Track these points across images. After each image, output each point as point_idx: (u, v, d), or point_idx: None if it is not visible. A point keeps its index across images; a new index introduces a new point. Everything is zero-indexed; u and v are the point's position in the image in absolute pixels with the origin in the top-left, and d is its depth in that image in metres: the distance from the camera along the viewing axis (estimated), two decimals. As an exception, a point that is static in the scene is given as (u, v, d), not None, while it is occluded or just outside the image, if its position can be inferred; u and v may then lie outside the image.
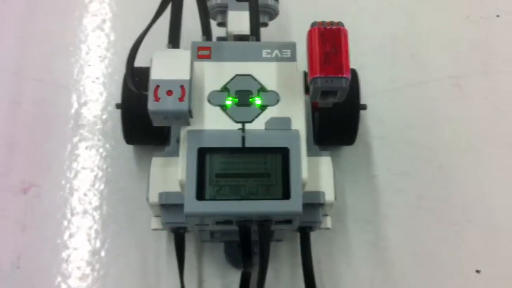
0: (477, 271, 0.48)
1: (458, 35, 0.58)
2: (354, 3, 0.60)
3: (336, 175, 0.40)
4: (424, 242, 0.48)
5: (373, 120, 0.53)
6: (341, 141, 0.50)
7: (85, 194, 0.49)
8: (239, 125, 0.38)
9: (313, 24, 0.37)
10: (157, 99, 0.36)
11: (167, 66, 0.37)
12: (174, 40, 0.40)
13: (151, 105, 0.36)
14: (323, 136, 0.46)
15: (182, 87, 0.36)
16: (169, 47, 0.40)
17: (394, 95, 0.55)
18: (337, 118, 0.45)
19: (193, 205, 0.35)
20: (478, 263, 0.48)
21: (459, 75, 0.56)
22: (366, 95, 0.47)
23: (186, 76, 0.36)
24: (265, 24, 0.50)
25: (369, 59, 0.56)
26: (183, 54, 0.37)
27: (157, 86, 0.36)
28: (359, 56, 0.55)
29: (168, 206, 0.39)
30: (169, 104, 0.36)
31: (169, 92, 0.36)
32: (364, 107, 0.47)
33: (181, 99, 0.36)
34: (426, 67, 0.56)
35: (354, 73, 0.47)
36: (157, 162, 0.40)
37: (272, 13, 0.50)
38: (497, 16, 0.60)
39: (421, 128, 0.53)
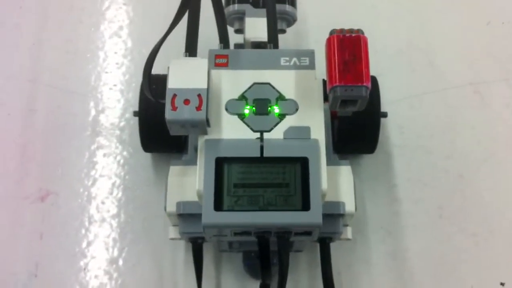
0: (502, 284, 0.47)
1: (478, 41, 0.58)
2: (372, 9, 0.59)
3: (356, 184, 0.40)
4: (445, 253, 0.48)
5: (393, 128, 0.52)
6: (361, 150, 0.49)
7: (102, 202, 0.49)
8: (257, 134, 0.38)
9: (332, 32, 0.37)
10: (174, 108, 0.35)
11: (184, 74, 0.36)
12: (191, 48, 0.40)
13: (168, 114, 0.35)
14: (343, 144, 0.45)
15: (199, 96, 0.36)
16: (186, 55, 0.40)
17: (414, 102, 0.54)
18: (357, 126, 0.45)
19: (211, 216, 0.35)
20: (502, 275, 0.47)
21: (479, 82, 0.55)
22: (385, 103, 0.46)
23: (204, 85, 0.36)
24: (283, 31, 0.49)
25: (387, 66, 0.55)
26: (200, 63, 0.37)
27: (174, 95, 0.36)
28: (378, 63, 0.54)
29: (186, 215, 0.38)
30: (186, 113, 0.35)
31: (187, 101, 0.36)
32: (384, 114, 0.46)
33: (198, 108, 0.36)
34: (446, 74, 0.56)
35: (374, 80, 0.47)
36: (174, 171, 0.40)
37: (290, 20, 0.50)
38: (520, 21, 0.59)
39: (441, 136, 0.52)
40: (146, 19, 0.58)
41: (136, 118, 0.46)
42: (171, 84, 0.36)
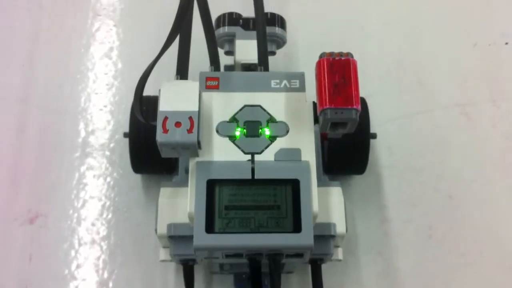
0: (490, 303, 0.47)
1: (465, 62, 0.58)
2: (361, 30, 0.60)
3: (347, 205, 0.40)
4: (435, 273, 0.48)
5: (382, 149, 0.53)
6: (351, 171, 0.49)
7: (92, 224, 0.49)
8: (248, 156, 0.38)
9: (322, 55, 0.37)
10: (165, 130, 0.36)
11: (175, 97, 0.37)
12: (182, 71, 0.40)
13: (160, 137, 0.35)
14: (333, 165, 0.45)
15: (190, 118, 0.36)
16: (177, 78, 0.40)
17: (402, 123, 0.54)
18: (347, 147, 0.45)
19: (202, 238, 0.35)
20: (491, 294, 0.47)
21: (466, 103, 0.56)
22: (374, 124, 0.47)
23: (195, 108, 0.36)
24: (273, 53, 0.50)
25: (376, 87, 0.56)
26: (192, 85, 0.37)
27: (166, 118, 0.36)
28: (367, 84, 0.55)
29: (177, 237, 0.38)
30: (178, 135, 0.35)
31: (178, 124, 0.36)
32: (374, 136, 0.46)
33: (189, 131, 0.36)
34: (434, 94, 0.56)
35: (363, 101, 0.47)
36: (165, 192, 0.40)
37: (280, 42, 0.50)
38: (506, 43, 0.59)
39: (430, 157, 0.53)
40: (136, 41, 0.58)
41: (126, 140, 0.46)
42: (163, 106, 0.36)
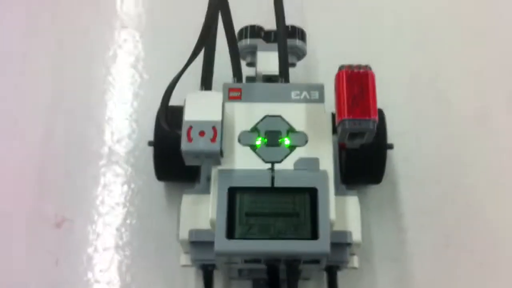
0: (508, 312, 0.47)
1: (483, 72, 0.59)
2: (379, 42, 0.61)
3: (363, 213, 0.41)
4: (452, 282, 0.48)
5: (399, 159, 0.53)
6: (368, 181, 0.50)
7: (117, 229, 0.51)
8: (269, 165, 0.39)
9: (341, 67, 0.38)
10: (189, 139, 0.37)
11: (199, 107, 0.38)
12: (206, 82, 0.41)
13: (184, 146, 0.37)
14: (350, 175, 0.46)
15: (214, 128, 0.37)
16: (202, 89, 0.41)
17: (419, 133, 0.55)
18: (364, 158, 0.46)
19: (223, 244, 0.36)
20: (508, 303, 0.47)
21: (484, 114, 0.56)
22: (391, 134, 0.48)
23: (218, 118, 0.38)
24: (293, 65, 0.51)
25: (393, 98, 0.56)
26: (215, 96, 0.39)
27: (190, 127, 0.37)
28: (384, 96, 0.55)
29: (198, 243, 0.39)
30: (202, 144, 0.37)
31: (202, 133, 0.37)
32: (391, 146, 0.47)
33: (213, 140, 0.37)
34: (451, 105, 0.57)
35: (380, 113, 0.48)
36: (187, 199, 0.41)
37: (300, 54, 0.51)
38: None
39: (447, 166, 0.53)
40: (161, 52, 0.60)
41: (150, 148, 0.47)
42: (188, 116, 0.37)
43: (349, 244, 0.39)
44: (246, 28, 0.51)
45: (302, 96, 0.42)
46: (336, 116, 0.37)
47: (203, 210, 0.39)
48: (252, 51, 0.50)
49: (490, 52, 0.60)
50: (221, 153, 0.37)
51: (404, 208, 0.51)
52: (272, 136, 0.40)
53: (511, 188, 0.53)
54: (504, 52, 0.60)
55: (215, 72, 0.42)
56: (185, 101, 0.38)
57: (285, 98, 0.42)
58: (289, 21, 0.46)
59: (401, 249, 0.49)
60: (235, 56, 0.44)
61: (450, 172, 0.53)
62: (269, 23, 0.47)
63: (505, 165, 0.54)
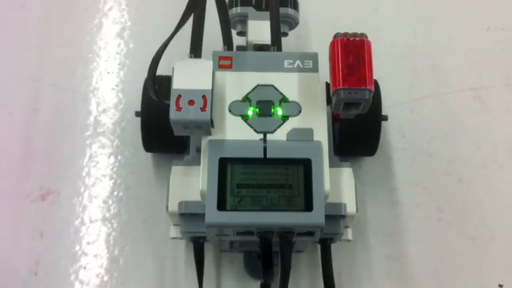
0: (500, 286, 0.47)
1: (479, 46, 0.58)
2: (374, 12, 0.60)
3: (357, 186, 0.40)
4: (445, 256, 0.48)
5: (393, 131, 0.53)
6: (362, 152, 0.49)
7: (104, 201, 0.50)
8: (261, 136, 0.38)
9: (336, 35, 0.37)
10: (178, 108, 0.36)
11: (189, 75, 0.37)
12: (196, 50, 0.40)
13: (173, 115, 0.36)
14: (344, 146, 0.45)
15: (204, 97, 0.36)
16: (190, 57, 0.40)
17: (414, 106, 0.54)
18: (358, 129, 0.45)
19: (214, 216, 0.35)
20: (500, 277, 0.47)
21: (480, 87, 0.56)
22: (386, 106, 0.47)
23: (208, 86, 0.36)
24: (285, 34, 0.50)
25: (389, 69, 0.56)
26: (205, 64, 0.37)
27: (179, 96, 0.36)
28: (379, 67, 0.54)
29: (188, 215, 0.39)
30: (191, 113, 0.36)
31: (191, 102, 0.36)
32: (385, 118, 0.46)
33: (203, 109, 0.36)
34: (447, 78, 0.56)
35: (375, 83, 0.47)
36: (176, 170, 0.40)
37: (292, 23, 0.50)
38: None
39: (442, 140, 0.53)
40: (148, 21, 0.58)
41: (137, 119, 0.46)
42: (176, 84, 0.36)
43: (343, 216, 0.39)
44: (236, -5, 0.49)
45: (295, 65, 0.41)
46: (331, 85, 0.36)
47: (193, 182, 0.39)
48: (243, 20, 0.49)
49: (488, 25, 0.59)
50: (211, 123, 0.36)
51: (398, 181, 0.51)
52: (264, 106, 0.39)
53: (505, 163, 0.52)
54: (503, 28, 0.59)
55: (204, 41, 0.41)
56: (173, 69, 0.37)
57: (278, 67, 0.40)
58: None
59: (395, 223, 0.49)
60: (225, 23, 0.43)
61: (445, 145, 0.53)
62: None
63: (500, 139, 0.53)
